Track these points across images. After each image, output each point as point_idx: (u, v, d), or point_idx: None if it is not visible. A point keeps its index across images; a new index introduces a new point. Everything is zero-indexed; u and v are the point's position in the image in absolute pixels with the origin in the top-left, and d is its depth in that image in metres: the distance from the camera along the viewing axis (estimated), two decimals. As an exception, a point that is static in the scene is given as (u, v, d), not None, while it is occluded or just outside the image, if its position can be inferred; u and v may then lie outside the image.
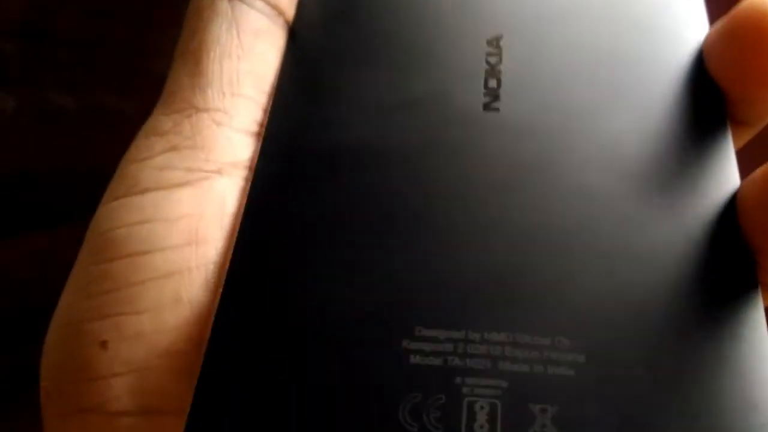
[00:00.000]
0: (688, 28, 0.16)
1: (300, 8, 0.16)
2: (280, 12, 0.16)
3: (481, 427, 0.11)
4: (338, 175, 0.14)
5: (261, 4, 0.16)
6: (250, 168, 0.15)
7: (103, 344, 0.12)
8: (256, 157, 0.15)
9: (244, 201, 0.14)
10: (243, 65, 0.15)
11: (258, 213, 0.14)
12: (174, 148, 0.14)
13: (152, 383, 0.12)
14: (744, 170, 0.14)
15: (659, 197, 0.14)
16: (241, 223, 0.14)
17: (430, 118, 0.15)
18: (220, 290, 0.13)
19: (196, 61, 0.15)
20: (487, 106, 0.15)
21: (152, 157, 0.14)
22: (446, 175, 0.14)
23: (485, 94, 0.15)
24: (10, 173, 0.33)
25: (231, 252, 0.13)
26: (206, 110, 0.14)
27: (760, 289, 0.13)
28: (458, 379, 0.12)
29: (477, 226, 0.13)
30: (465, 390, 0.12)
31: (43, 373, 0.13)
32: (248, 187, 0.14)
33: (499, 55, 0.16)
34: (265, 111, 0.15)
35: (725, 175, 0.14)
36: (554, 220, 0.13)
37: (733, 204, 0.13)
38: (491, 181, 0.14)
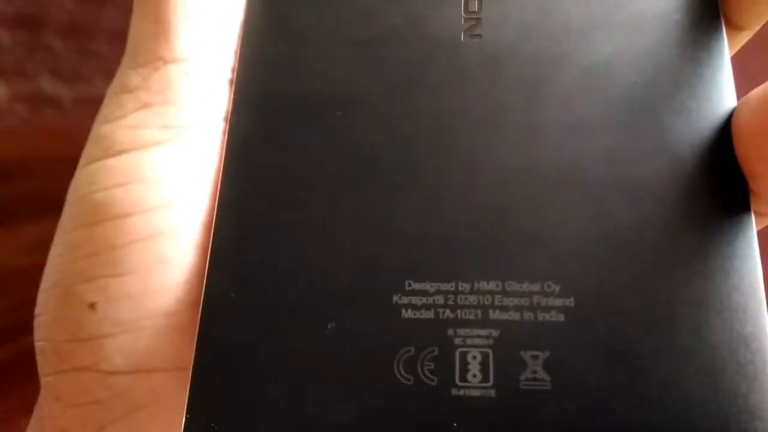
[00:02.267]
0: None
1: None
2: None
3: (474, 376, 0.12)
4: (313, 121, 0.14)
5: None
6: (227, 119, 0.14)
7: (92, 306, 0.12)
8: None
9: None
10: (209, 7, 0.14)
11: (237, 168, 0.13)
12: (146, 106, 0.13)
13: (143, 343, 0.12)
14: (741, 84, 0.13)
15: (650, 125, 0.13)
16: (222, 180, 0.13)
17: (406, 52, 0.14)
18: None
19: (156, 5, 0.14)
20: (468, 34, 0.14)
21: (125, 116, 0.13)
22: (427, 115, 0.13)
23: (465, 19, 0.14)
24: (5, 163, 0.33)
25: (215, 211, 0.13)
26: (174, 61, 0.14)
27: (753, 220, 0.12)
28: (450, 331, 0.12)
29: (462, 170, 0.13)
30: (457, 341, 0.12)
31: (37, 333, 0.13)
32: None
33: None
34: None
35: (720, 95, 0.13)
36: (541, 159, 0.13)
37: (727, 127, 0.13)
38: (475, 119, 0.13)
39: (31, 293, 0.14)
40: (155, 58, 0.14)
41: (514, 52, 0.14)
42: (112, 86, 0.14)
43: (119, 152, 0.13)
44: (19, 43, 0.33)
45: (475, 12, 0.14)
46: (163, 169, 0.13)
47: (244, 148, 0.14)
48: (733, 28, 0.14)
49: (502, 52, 0.14)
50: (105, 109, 0.14)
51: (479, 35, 0.14)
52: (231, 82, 0.14)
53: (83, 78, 0.35)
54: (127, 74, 0.14)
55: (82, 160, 0.14)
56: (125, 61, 0.14)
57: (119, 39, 0.15)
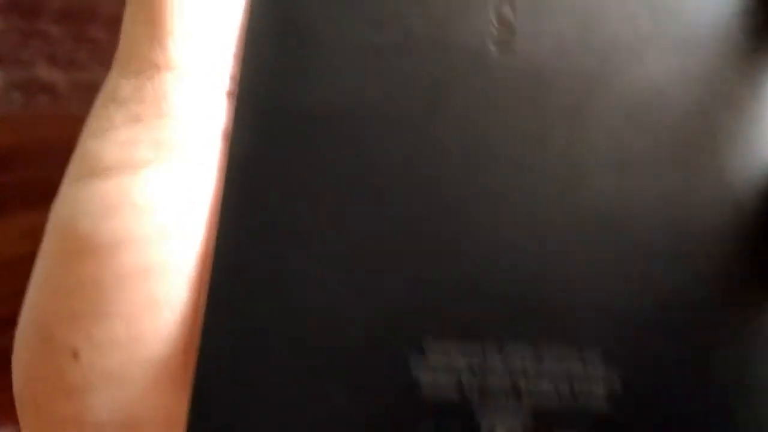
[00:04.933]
0: None
1: None
2: None
3: None
4: (323, 142, 0.12)
5: None
6: (227, 136, 0.13)
7: (75, 354, 0.11)
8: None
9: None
10: (207, 8, 0.13)
11: (239, 195, 0.12)
12: (137, 119, 0.12)
13: (132, 394, 0.11)
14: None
15: (707, 162, 0.11)
16: (222, 209, 0.12)
17: (429, 65, 0.12)
18: (206, 288, 0.11)
19: (150, 6, 0.13)
20: (500, 46, 0.12)
21: (113, 129, 0.12)
22: (451, 141, 0.12)
23: (498, 30, 0.12)
24: (1, 150, 0.33)
25: (214, 243, 0.12)
26: (169, 68, 0.12)
27: None
28: (477, 416, 0.10)
29: (489, 210, 0.11)
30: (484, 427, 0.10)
31: (16, 382, 0.12)
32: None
33: None
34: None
35: None
36: (582, 201, 0.11)
37: None
38: (506, 151, 0.12)
39: (19, 281, 0.14)
40: (149, 65, 0.12)
41: (551, 71, 0.12)
42: (101, 96, 0.13)
43: (106, 170, 0.12)
44: (15, 30, 0.33)
45: (508, 21, 0.13)
46: (155, 194, 0.12)
47: (246, 170, 0.12)
48: None
49: (539, 71, 0.12)
50: (92, 122, 0.12)
51: (513, 50, 0.12)
52: (230, 94, 0.13)
53: (79, 64, 0.35)
54: (118, 83, 0.12)
55: (67, 178, 0.12)
56: (115, 68, 0.13)
57: (115, 24, 0.14)
